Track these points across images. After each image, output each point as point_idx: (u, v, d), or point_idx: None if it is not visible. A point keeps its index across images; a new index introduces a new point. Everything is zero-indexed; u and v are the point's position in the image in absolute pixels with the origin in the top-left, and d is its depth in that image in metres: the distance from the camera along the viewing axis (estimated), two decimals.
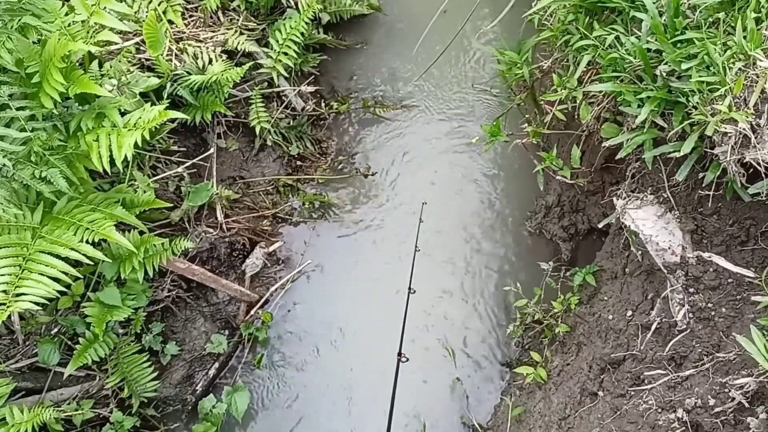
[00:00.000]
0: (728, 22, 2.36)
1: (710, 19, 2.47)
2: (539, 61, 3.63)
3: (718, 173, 2.46)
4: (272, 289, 4.25)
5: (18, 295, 2.56)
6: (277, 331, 4.12)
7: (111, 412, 3.50)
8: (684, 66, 2.37)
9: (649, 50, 2.57)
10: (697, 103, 2.30)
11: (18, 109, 2.69)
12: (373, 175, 4.68)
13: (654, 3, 2.57)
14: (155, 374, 3.62)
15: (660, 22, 2.54)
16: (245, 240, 4.27)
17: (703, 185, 2.54)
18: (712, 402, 2.34)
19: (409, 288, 3.35)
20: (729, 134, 2.23)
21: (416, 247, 3.70)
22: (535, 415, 3.29)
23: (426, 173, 4.69)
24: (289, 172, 4.68)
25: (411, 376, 3.60)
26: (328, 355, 4.06)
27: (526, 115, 3.80)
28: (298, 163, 4.76)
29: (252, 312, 4.13)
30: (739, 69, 2.19)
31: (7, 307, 2.52)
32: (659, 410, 2.54)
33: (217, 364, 3.92)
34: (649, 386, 2.66)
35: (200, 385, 3.83)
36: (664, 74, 2.49)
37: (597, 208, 3.95)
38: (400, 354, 2.90)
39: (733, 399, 2.26)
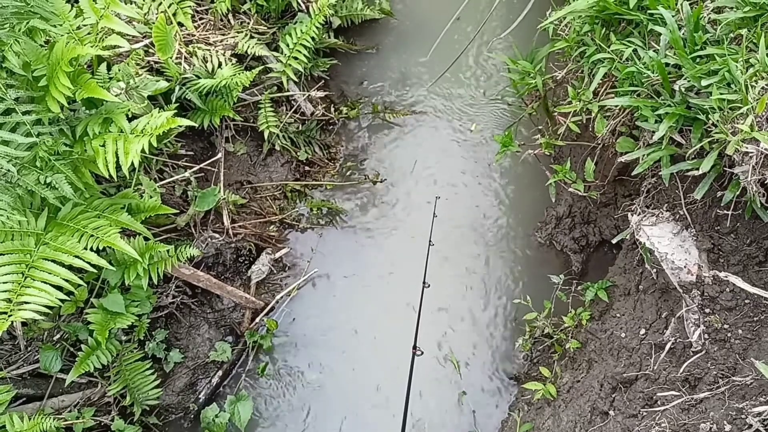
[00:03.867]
0: (750, 39, 2.31)
1: (731, 35, 2.41)
2: (552, 71, 3.57)
3: (738, 192, 2.40)
4: (278, 296, 4.19)
5: (20, 303, 2.52)
6: (282, 339, 4.06)
7: (112, 420, 3.44)
8: (704, 82, 2.32)
9: (667, 65, 2.52)
10: (718, 120, 2.25)
11: (24, 113, 2.64)
12: (382, 181, 4.62)
13: (673, 16, 2.52)
14: (158, 382, 3.58)
15: (679, 37, 2.48)
16: (251, 246, 4.22)
17: (722, 204, 2.49)
18: (728, 428, 2.28)
19: (424, 282, 3.31)
20: (750, 154, 2.17)
21: (430, 241, 3.64)
22: None
23: (435, 180, 4.62)
24: (297, 178, 4.63)
25: (417, 389, 3.55)
26: (334, 364, 4.00)
27: (539, 126, 3.74)
28: (307, 168, 4.71)
29: (257, 319, 4.08)
30: (763, 88, 2.13)
31: (9, 315, 2.47)
32: None
33: (220, 372, 3.87)
34: (662, 408, 2.60)
35: (203, 394, 3.79)
36: (683, 90, 2.44)
37: (609, 221, 3.89)
38: (415, 347, 2.90)
39: (751, 426, 2.20)
